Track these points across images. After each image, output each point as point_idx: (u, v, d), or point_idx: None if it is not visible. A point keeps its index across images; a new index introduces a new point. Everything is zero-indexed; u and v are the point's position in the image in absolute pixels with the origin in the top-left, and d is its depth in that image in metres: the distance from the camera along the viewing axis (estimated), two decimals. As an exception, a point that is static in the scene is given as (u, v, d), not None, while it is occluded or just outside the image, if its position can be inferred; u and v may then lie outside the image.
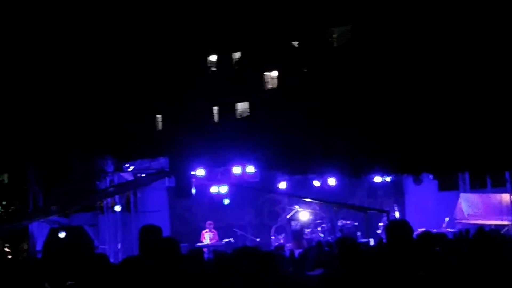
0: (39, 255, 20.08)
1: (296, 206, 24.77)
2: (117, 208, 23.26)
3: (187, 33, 25.20)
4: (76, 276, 9.75)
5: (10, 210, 23.71)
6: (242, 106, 27.40)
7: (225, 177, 23.41)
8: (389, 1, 22.62)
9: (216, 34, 26.00)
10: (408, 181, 25.57)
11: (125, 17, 24.68)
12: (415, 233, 16.21)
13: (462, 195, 25.66)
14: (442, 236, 14.56)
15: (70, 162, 22.88)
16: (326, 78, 23.17)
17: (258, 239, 23.85)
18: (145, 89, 24.61)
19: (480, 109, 19.95)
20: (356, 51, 23.42)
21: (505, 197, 23.63)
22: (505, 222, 22.53)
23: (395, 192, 26.46)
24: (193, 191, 21.36)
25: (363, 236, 23.08)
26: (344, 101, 21.76)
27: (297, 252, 18.37)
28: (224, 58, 27.88)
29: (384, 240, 7.85)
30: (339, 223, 24.37)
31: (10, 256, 21.75)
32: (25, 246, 22.34)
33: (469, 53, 20.50)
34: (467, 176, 25.99)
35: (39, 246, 21.22)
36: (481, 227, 17.52)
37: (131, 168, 23.87)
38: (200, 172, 21.96)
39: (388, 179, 25.59)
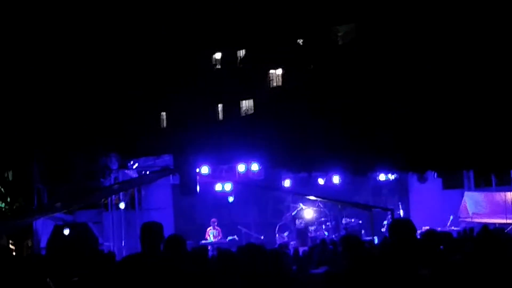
0: (44, 252, 20.10)
1: (301, 204, 24.75)
2: (122, 205, 23.29)
3: (192, 31, 25.21)
4: (80, 273, 9.77)
5: (14, 207, 23.70)
6: (246, 104, 27.41)
7: (230, 174, 23.39)
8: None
9: (220, 32, 26.01)
10: (413, 179, 25.52)
11: (129, 15, 24.69)
12: (420, 231, 16.23)
13: (466, 193, 25.61)
14: (447, 234, 14.51)
15: (75, 160, 22.91)
16: (330, 76, 23.16)
17: (262, 237, 23.84)
18: (149, 87, 24.63)
19: (485, 107, 19.92)
20: (361, 49, 23.39)
21: (510, 195, 23.55)
22: (510, 221, 22.46)
23: (400, 190, 26.41)
24: (198, 188, 21.36)
25: (367, 234, 23.04)
26: (348, 99, 21.75)
27: (301, 250, 18.37)
28: (229, 56, 27.89)
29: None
30: (344, 221, 24.35)
31: (14, 253, 21.77)
32: (30, 243, 22.35)
33: (474, 52, 20.47)
34: (471, 174, 25.96)
35: (43, 243, 21.25)
36: (485, 225, 17.49)
37: (136, 165, 23.89)
38: (204, 169, 21.96)
39: (392, 177, 25.55)
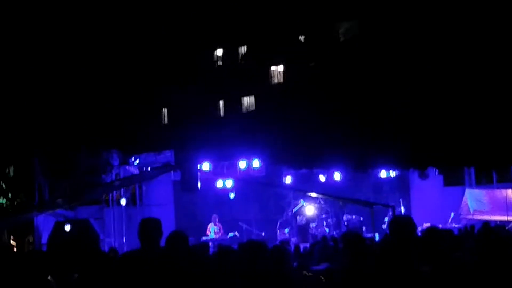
0: (45, 248, 20.11)
1: (302, 201, 24.80)
2: (123, 201, 23.31)
3: (193, 28, 25.18)
4: (80, 269, 9.78)
5: (15, 203, 23.72)
6: (248, 101, 27.38)
7: (231, 171, 23.42)
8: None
9: (222, 28, 25.97)
10: (414, 176, 25.56)
11: (131, 11, 24.68)
12: (421, 228, 16.24)
13: (467, 190, 25.63)
14: (447, 232, 14.52)
15: (76, 156, 22.91)
16: (332, 72, 23.14)
17: (263, 233, 23.87)
18: (150, 83, 24.62)
19: (486, 104, 19.90)
20: (363, 45, 23.37)
21: (511, 192, 23.58)
22: (511, 218, 22.48)
23: (401, 187, 26.45)
24: (199, 185, 21.37)
25: (368, 231, 23.07)
26: (350, 96, 21.74)
27: (302, 246, 18.41)
28: (230, 52, 27.84)
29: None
30: (345, 218, 24.39)
31: (15, 249, 21.79)
32: (31, 239, 22.36)
33: (475, 49, 20.45)
34: (472, 171, 25.98)
35: (44, 239, 21.24)
36: (486, 223, 17.52)
37: (137, 161, 23.90)
38: (205, 166, 21.98)
39: (393, 174, 25.58)
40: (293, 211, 24.87)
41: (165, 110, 27.51)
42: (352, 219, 24.23)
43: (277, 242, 20.24)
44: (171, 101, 25.84)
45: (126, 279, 6.71)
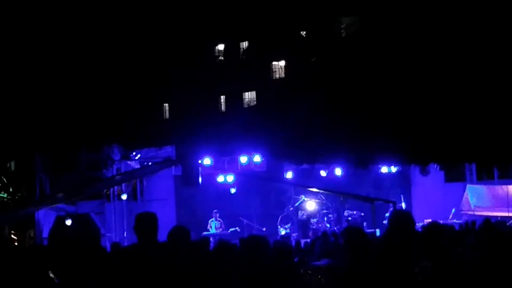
0: (45, 242, 20.13)
1: (303, 196, 24.76)
2: (124, 196, 23.30)
3: (195, 23, 25.17)
4: (81, 264, 9.78)
5: (16, 198, 23.74)
6: (249, 96, 27.39)
7: (232, 166, 23.42)
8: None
9: (223, 23, 25.96)
10: (415, 172, 25.52)
11: (132, 6, 24.67)
12: (422, 224, 16.21)
13: (468, 186, 25.62)
14: (449, 227, 14.53)
15: (77, 150, 22.91)
16: (333, 68, 23.12)
17: (264, 229, 23.85)
18: (152, 78, 24.61)
19: (487, 100, 19.89)
20: (364, 41, 23.35)
21: (512, 189, 23.61)
22: (512, 214, 22.49)
23: (402, 183, 26.42)
24: (200, 180, 21.37)
25: (369, 227, 23.06)
26: (351, 91, 21.73)
27: (303, 242, 18.39)
28: (232, 47, 27.84)
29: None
30: (346, 213, 24.36)
31: (16, 243, 21.82)
32: (32, 234, 22.37)
33: (476, 45, 20.43)
34: (474, 167, 25.97)
35: (45, 234, 21.27)
36: (487, 218, 17.49)
37: (138, 156, 23.89)
38: (206, 161, 21.96)
39: (394, 169, 25.56)
40: (294, 206, 24.85)
41: (166, 105, 27.51)
42: (353, 214, 24.20)
43: (278, 238, 20.23)
44: (172, 96, 25.85)
45: (123, 274, 6.71)
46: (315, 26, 25.26)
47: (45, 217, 21.82)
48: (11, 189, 23.70)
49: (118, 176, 23.11)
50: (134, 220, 6.97)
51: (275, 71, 27.12)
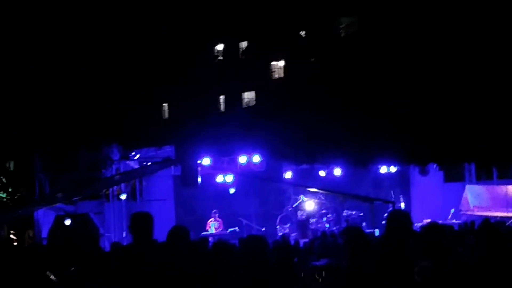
0: (45, 242, 20.13)
1: (302, 196, 24.77)
2: (123, 196, 23.27)
3: (194, 22, 25.17)
4: (80, 264, 9.78)
5: (16, 197, 23.75)
6: (248, 95, 27.40)
7: (231, 166, 23.39)
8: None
9: (223, 23, 25.97)
10: (414, 172, 25.53)
11: (131, 5, 24.67)
12: (421, 224, 16.19)
13: (468, 186, 25.63)
14: (448, 227, 14.53)
15: (77, 150, 22.91)
16: (333, 68, 23.13)
17: (263, 229, 23.85)
18: (151, 78, 24.62)
19: (487, 100, 19.89)
20: (363, 41, 23.36)
21: (511, 188, 23.59)
22: (511, 214, 22.48)
23: (401, 183, 26.44)
24: (199, 180, 21.35)
25: (368, 227, 23.08)
26: (350, 91, 21.74)
27: (302, 242, 18.39)
28: (231, 47, 27.84)
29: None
30: (345, 213, 24.39)
31: (15, 243, 21.82)
32: (31, 233, 22.38)
33: (475, 45, 20.44)
34: (473, 167, 25.98)
35: (44, 233, 21.27)
36: (486, 218, 17.50)
37: (137, 156, 23.87)
38: (206, 161, 21.94)
39: (394, 169, 25.56)
40: (293, 207, 24.85)
41: (165, 105, 27.52)
42: (352, 214, 24.22)
43: (278, 237, 20.22)
44: (172, 96, 25.85)
45: (121, 274, 6.71)
46: (315, 26, 25.27)
47: (44, 217, 21.82)
48: (10, 189, 23.71)
49: (117, 176, 23.08)
50: (129, 220, 6.98)
51: (275, 71, 27.12)
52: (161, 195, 24.21)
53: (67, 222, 20.08)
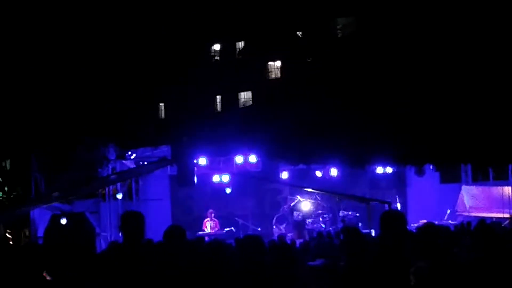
0: (41, 241, 20.10)
1: (298, 196, 24.80)
2: (119, 195, 23.26)
3: (191, 22, 25.14)
4: (76, 263, 9.76)
5: (12, 196, 23.70)
6: (245, 96, 27.36)
7: (227, 166, 23.42)
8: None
9: (219, 23, 25.93)
10: (411, 173, 25.55)
11: (128, 5, 24.63)
12: (417, 224, 16.21)
13: (464, 187, 25.68)
14: (444, 228, 14.55)
15: (73, 149, 22.87)
16: (330, 68, 23.12)
17: (259, 229, 23.88)
18: (148, 77, 24.57)
19: (483, 101, 19.90)
20: (361, 42, 23.35)
21: (507, 190, 23.63)
22: (507, 215, 22.52)
23: (397, 183, 26.48)
24: (195, 180, 21.35)
25: (364, 227, 23.09)
26: (347, 92, 21.73)
27: (298, 242, 18.41)
28: (228, 47, 27.80)
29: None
30: (341, 213, 24.42)
31: (11, 242, 21.79)
32: (27, 232, 22.35)
33: (472, 46, 20.44)
34: (469, 168, 26.03)
35: (40, 233, 21.25)
36: (482, 219, 17.56)
37: (133, 156, 23.86)
38: (202, 161, 21.95)
39: (390, 170, 25.58)
40: (290, 207, 24.87)
41: (162, 105, 27.47)
42: (348, 215, 24.25)
43: (274, 238, 20.24)
44: (168, 96, 25.80)
45: (116, 274, 6.70)
46: (312, 27, 25.24)
47: (40, 216, 21.80)
48: (6, 188, 23.66)
49: (113, 176, 23.07)
50: (120, 219, 6.96)
51: (271, 71, 27.08)
52: (157, 194, 24.22)
53: (63, 221, 20.08)
